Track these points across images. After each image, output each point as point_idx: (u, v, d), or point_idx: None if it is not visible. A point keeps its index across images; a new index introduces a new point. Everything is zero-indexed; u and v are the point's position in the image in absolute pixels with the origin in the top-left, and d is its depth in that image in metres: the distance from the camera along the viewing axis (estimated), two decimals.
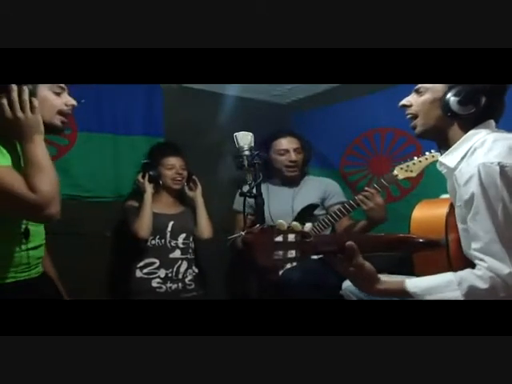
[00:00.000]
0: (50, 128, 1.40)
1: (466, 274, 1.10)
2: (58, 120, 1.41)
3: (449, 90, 1.20)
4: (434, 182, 1.95)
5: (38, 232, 1.46)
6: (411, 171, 1.91)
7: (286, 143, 2.33)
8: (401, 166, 1.93)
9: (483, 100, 1.16)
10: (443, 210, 1.34)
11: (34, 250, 1.43)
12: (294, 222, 1.03)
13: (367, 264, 1.13)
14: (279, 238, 0.99)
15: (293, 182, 2.37)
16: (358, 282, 1.18)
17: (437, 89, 1.23)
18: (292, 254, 0.99)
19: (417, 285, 1.14)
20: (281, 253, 0.98)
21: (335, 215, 2.06)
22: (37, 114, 1.29)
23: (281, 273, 2.05)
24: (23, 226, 1.37)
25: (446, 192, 1.42)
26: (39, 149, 1.29)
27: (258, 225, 1.44)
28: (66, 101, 1.42)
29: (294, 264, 2.00)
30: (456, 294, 1.08)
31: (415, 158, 1.90)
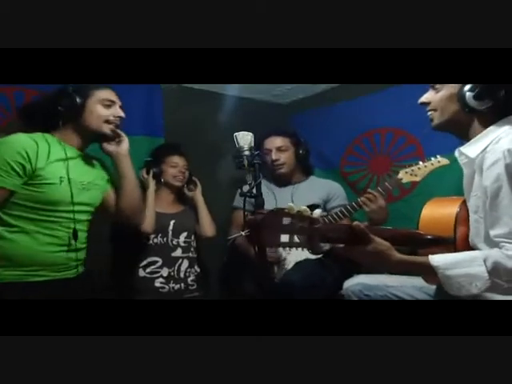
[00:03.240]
0: (98, 135, 1.61)
1: (493, 252, 1.10)
2: (106, 128, 1.60)
3: (464, 84, 1.18)
4: (434, 182, 1.96)
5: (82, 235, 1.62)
6: (416, 175, 1.87)
7: (268, 143, 2.34)
8: (406, 169, 1.89)
9: (501, 93, 1.14)
10: (453, 209, 1.31)
11: (75, 251, 1.59)
12: (304, 207, 1.00)
13: (377, 238, 1.12)
14: (287, 221, 0.96)
15: (287, 180, 2.38)
16: (378, 258, 1.14)
17: (452, 84, 1.22)
18: (299, 238, 0.97)
19: (441, 259, 1.12)
20: (287, 236, 0.96)
21: (337, 216, 2.07)
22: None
23: (280, 276, 2.05)
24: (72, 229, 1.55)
25: (445, 192, 1.42)
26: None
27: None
28: (114, 112, 1.61)
29: (296, 257, 2.04)
30: (481, 270, 1.07)
31: (420, 162, 1.87)
